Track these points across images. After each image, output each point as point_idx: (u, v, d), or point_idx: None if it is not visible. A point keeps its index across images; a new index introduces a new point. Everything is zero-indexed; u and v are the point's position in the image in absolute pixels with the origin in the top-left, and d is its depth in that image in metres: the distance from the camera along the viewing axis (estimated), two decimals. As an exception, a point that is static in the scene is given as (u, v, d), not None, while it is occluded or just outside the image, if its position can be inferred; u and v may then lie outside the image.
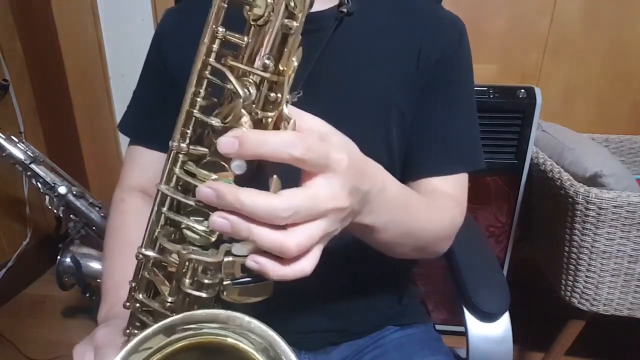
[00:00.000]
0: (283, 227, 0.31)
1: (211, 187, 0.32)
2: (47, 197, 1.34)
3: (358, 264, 0.63)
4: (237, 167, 0.33)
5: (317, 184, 0.33)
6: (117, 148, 1.73)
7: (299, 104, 0.36)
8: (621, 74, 1.44)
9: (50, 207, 1.35)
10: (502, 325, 0.65)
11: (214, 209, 0.32)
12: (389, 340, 0.67)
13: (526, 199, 1.30)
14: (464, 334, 0.66)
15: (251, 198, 0.30)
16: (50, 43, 1.62)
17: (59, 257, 1.35)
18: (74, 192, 1.33)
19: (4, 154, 1.28)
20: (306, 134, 0.33)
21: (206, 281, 0.35)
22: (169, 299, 0.37)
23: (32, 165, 1.30)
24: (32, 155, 1.30)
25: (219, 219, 0.32)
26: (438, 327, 0.75)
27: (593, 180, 1.06)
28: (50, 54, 1.64)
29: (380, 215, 0.42)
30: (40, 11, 1.60)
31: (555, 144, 1.24)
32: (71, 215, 1.36)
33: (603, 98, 1.47)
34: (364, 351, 0.66)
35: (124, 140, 1.70)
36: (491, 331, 0.65)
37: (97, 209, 1.36)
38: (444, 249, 0.60)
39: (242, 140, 0.31)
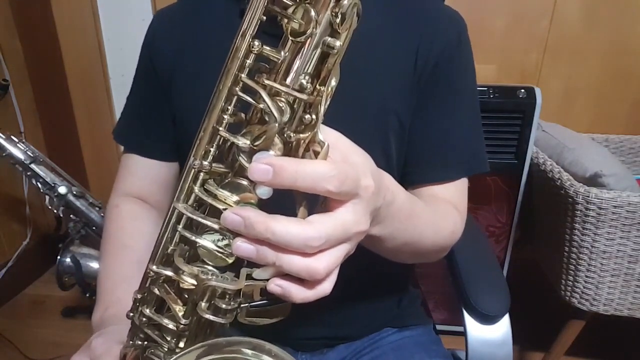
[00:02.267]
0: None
1: (239, 214, 0.30)
2: (47, 197, 1.34)
3: (356, 269, 0.62)
4: (264, 193, 0.31)
5: (346, 211, 0.32)
6: (117, 148, 1.73)
7: None
8: (621, 74, 1.44)
9: (50, 207, 1.35)
10: (502, 328, 0.64)
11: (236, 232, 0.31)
12: (386, 342, 0.67)
13: (526, 199, 1.30)
14: (464, 334, 0.66)
15: (283, 228, 0.29)
16: (50, 43, 1.62)
17: (59, 257, 1.35)
18: (74, 192, 1.33)
19: (4, 154, 1.28)
20: (337, 162, 0.32)
21: (224, 306, 0.33)
22: (183, 321, 0.35)
23: (32, 165, 1.30)
24: (32, 155, 1.30)
25: (244, 245, 0.30)
26: (438, 327, 0.75)
27: (593, 180, 1.06)
28: (50, 54, 1.64)
29: (387, 226, 0.42)
30: (40, 11, 1.60)
31: (555, 144, 1.24)
32: (71, 215, 1.36)
33: (603, 98, 1.47)
34: (361, 353, 0.66)
35: (124, 140, 1.70)
36: (491, 334, 0.64)
37: (97, 209, 1.36)
38: (443, 254, 0.59)
39: (278, 170, 0.29)
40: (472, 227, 0.67)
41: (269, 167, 0.29)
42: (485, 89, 1.21)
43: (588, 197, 1.02)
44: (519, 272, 1.38)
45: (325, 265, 0.31)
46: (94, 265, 1.36)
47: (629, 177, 1.07)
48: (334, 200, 0.32)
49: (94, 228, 1.37)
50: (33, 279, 1.81)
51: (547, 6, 1.40)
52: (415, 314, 0.72)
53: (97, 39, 1.60)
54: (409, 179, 0.59)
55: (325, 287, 0.33)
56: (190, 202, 0.34)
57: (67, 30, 1.61)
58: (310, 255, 0.30)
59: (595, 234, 1.05)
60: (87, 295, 1.36)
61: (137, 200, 0.65)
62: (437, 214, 0.54)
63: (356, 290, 0.64)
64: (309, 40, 0.30)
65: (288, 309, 0.35)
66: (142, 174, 0.65)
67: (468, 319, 0.65)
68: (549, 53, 1.45)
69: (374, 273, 0.64)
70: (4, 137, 1.28)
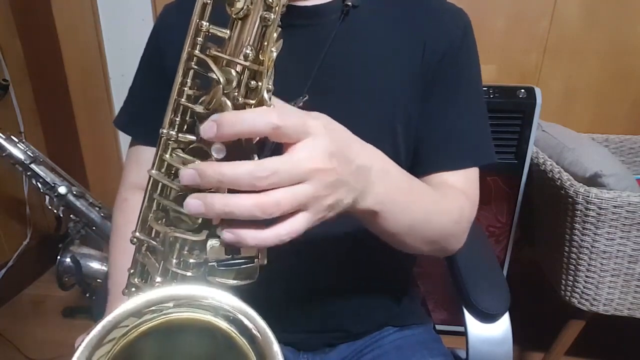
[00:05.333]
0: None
1: (192, 167, 0.33)
2: (47, 197, 1.34)
3: (357, 265, 0.63)
4: (216, 150, 0.34)
5: (296, 149, 0.33)
6: (117, 148, 1.73)
7: (306, 108, 0.36)
8: (621, 74, 1.44)
9: (50, 207, 1.35)
10: (502, 326, 0.65)
11: (200, 192, 0.33)
12: (387, 342, 0.67)
13: (526, 199, 1.30)
14: (464, 334, 0.66)
15: (231, 167, 0.32)
16: (50, 43, 1.62)
17: (59, 257, 1.35)
18: (74, 192, 1.33)
19: (4, 154, 1.28)
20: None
21: (191, 261, 0.36)
22: (158, 279, 0.38)
23: (32, 165, 1.30)
24: (32, 155, 1.30)
25: (191, 201, 0.32)
26: (438, 327, 0.75)
27: (593, 180, 1.06)
28: (50, 54, 1.64)
29: (386, 199, 0.42)
30: (40, 11, 1.60)
31: (555, 144, 1.24)
32: (71, 215, 1.36)
33: (603, 98, 1.47)
34: (363, 352, 0.66)
35: (124, 139, 1.70)
36: (491, 332, 0.65)
37: (97, 209, 1.36)
38: (457, 244, 0.58)
39: (220, 122, 0.32)
40: (472, 227, 0.67)
41: (213, 122, 0.32)
42: (485, 89, 1.21)
43: (588, 197, 1.02)
44: (519, 272, 1.38)
45: (275, 198, 0.31)
46: (94, 265, 1.36)
47: (629, 177, 1.07)
48: (287, 145, 0.33)
49: (94, 228, 1.37)
50: (33, 279, 1.81)
51: (547, 6, 1.40)
52: (416, 313, 0.73)
53: (97, 39, 1.60)
54: (419, 168, 0.59)
55: (280, 230, 0.33)
56: (164, 169, 0.38)
57: (67, 30, 1.61)
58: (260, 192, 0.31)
59: (595, 234, 1.05)
60: (87, 295, 1.35)
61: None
62: (443, 197, 0.54)
63: (357, 284, 0.64)
64: (249, 17, 0.34)
65: (256, 272, 0.36)
66: (149, 165, 0.65)
67: (468, 317, 0.66)
68: (549, 53, 1.45)
69: (375, 268, 0.65)
70: (4, 137, 1.28)
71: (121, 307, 0.32)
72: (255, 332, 0.32)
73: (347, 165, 0.36)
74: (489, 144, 0.62)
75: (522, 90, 1.20)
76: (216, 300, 0.32)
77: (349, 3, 0.55)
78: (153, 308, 0.32)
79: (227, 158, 0.34)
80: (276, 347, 0.31)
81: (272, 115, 0.31)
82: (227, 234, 0.33)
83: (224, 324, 0.33)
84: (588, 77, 1.46)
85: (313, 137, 0.33)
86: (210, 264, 0.36)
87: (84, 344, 0.31)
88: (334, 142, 0.35)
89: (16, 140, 1.30)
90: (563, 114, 1.48)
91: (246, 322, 0.32)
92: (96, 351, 0.31)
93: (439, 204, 0.52)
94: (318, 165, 0.33)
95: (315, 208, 0.35)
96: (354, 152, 0.38)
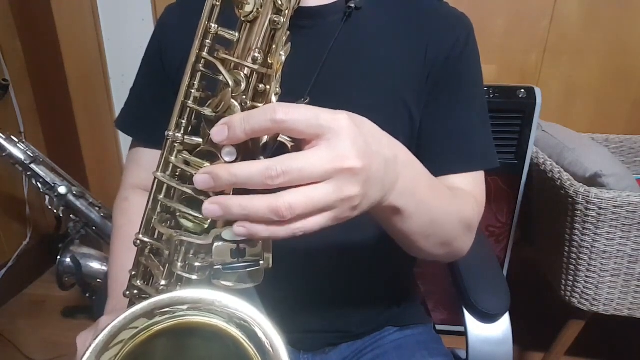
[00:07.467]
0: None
1: (205, 172, 0.33)
2: (47, 197, 1.34)
3: (358, 264, 0.63)
4: (227, 153, 0.34)
5: (314, 147, 0.32)
6: (117, 148, 1.73)
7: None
8: (621, 74, 1.44)
9: (50, 207, 1.35)
10: (502, 327, 0.65)
11: (209, 196, 0.33)
12: (388, 341, 0.67)
13: (526, 199, 1.30)
14: (464, 334, 0.66)
15: (242, 166, 0.32)
16: (50, 43, 1.62)
17: (59, 257, 1.35)
18: (74, 192, 1.33)
19: (4, 154, 1.28)
20: None
21: (197, 264, 0.36)
22: (162, 282, 0.38)
23: (32, 165, 1.30)
24: (32, 155, 1.30)
25: (210, 205, 0.32)
26: (438, 327, 0.75)
27: (593, 180, 1.06)
28: (50, 54, 1.64)
29: (410, 192, 0.41)
30: (40, 11, 1.60)
31: (555, 144, 1.24)
32: (71, 215, 1.36)
33: (603, 98, 1.47)
34: (363, 352, 0.66)
35: (124, 140, 1.70)
36: (491, 332, 0.65)
37: (97, 209, 1.36)
38: (467, 246, 0.56)
39: (230, 124, 0.32)
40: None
41: (224, 125, 0.32)
42: (485, 89, 1.20)
43: (588, 197, 1.02)
44: (519, 272, 1.38)
45: (287, 202, 0.30)
46: (94, 265, 1.36)
47: (629, 177, 1.07)
48: (305, 142, 0.33)
49: (94, 228, 1.37)
50: (33, 279, 1.81)
51: (547, 6, 1.40)
52: (416, 313, 0.73)
53: (97, 39, 1.60)
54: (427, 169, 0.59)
55: (297, 226, 0.32)
56: (169, 172, 0.37)
57: (67, 30, 1.60)
58: (272, 192, 0.31)
59: (595, 234, 1.05)
60: (87, 295, 1.35)
61: (145, 193, 0.65)
62: (456, 195, 0.53)
63: (358, 285, 0.65)
64: (258, 20, 0.34)
65: (261, 275, 0.36)
66: (149, 165, 0.65)
67: (468, 317, 0.66)
68: (549, 53, 1.45)
69: (376, 269, 0.65)
70: (4, 137, 1.28)
71: (131, 310, 0.32)
72: (267, 344, 0.31)
73: (377, 161, 0.35)
74: (493, 149, 0.62)
75: (522, 90, 1.20)
76: (230, 307, 0.32)
77: (352, 5, 0.55)
78: (164, 310, 0.32)
79: (235, 160, 0.34)
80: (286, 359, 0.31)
81: (278, 111, 0.31)
82: (239, 228, 0.32)
83: (235, 331, 0.33)
84: (588, 77, 1.46)
85: (334, 133, 0.32)
86: (215, 267, 0.36)
87: (90, 350, 0.30)
88: (360, 135, 0.33)
89: (16, 140, 1.30)
90: (563, 114, 1.48)
91: (259, 332, 0.31)
92: (103, 354, 0.31)
93: (454, 203, 0.51)
94: (345, 164, 0.32)
95: (339, 209, 0.33)
96: (383, 145, 0.36)
